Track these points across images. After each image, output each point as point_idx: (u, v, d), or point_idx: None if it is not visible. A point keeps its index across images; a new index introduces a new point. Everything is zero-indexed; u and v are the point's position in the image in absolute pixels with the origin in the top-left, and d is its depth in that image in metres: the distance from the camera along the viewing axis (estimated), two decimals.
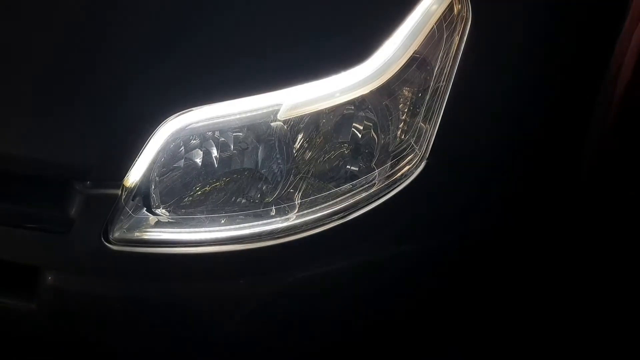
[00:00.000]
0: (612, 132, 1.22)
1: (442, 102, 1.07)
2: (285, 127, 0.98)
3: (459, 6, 1.11)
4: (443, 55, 1.08)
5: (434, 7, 1.07)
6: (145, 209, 0.96)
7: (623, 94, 1.18)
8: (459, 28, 1.10)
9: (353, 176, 1.03)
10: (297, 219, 0.99)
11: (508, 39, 1.24)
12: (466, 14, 1.11)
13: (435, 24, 1.07)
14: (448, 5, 1.08)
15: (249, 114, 0.97)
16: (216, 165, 0.98)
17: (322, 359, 1.14)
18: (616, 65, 1.19)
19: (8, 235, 0.97)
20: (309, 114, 1.00)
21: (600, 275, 1.45)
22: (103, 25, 1.02)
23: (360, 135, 1.03)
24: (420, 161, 1.05)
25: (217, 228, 0.97)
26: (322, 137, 1.02)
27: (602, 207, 1.33)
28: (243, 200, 0.99)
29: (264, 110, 0.97)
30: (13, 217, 0.96)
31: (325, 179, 1.02)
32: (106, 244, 0.94)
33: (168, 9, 1.02)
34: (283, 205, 0.99)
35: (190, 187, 0.98)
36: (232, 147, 0.98)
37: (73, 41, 1.01)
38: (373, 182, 1.03)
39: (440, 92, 1.07)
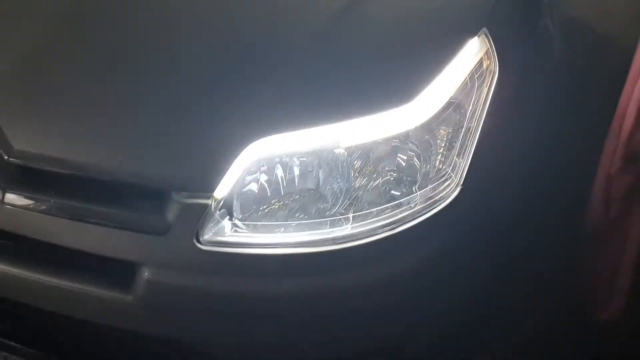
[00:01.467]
0: (617, 172, 1.43)
1: (474, 139, 1.28)
2: (345, 153, 1.19)
3: (488, 61, 1.34)
4: (474, 101, 1.30)
5: (468, 61, 1.29)
6: (228, 217, 1.16)
7: (627, 138, 1.39)
8: (488, 79, 1.33)
9: (398, 197, 1.23)
10: (353, 230, 1.18)
11: (528, 89, 1.47)
12: (493, 68, 1.34)
13: (468, 75, 1.29)
14: (479, 60, 1.31)
15: (315, 142, 1.18)
16: (285, 184, 1.18)
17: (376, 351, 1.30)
18: (621, 112, 1.40)
19: (113, 235, 1.17)
20: (363, 144, 1.21)
21: None
22: (204, 61, 1.26)
23: (404, 164, 1.24)
24: (456, 187, 1.25)
25: (287, 234, 1.17)
26: (371, 165, 1.23)
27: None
28: (304, 215, 1.19)
29: (328, 140, 1.19)
30: (118, 220, 1.17)
31: (375, 198, 1.22)
32: (197, 244, 1.14)
33: (253, 53, 1.26)
34: (340, 218, 1.19)
35: (265, 201, 1.18)
36: (299, 169, 1.19)
37: (179, 73, 1.25)
38: (416, 202, 1.22)
39: (471, 131, 1.29)
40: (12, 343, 1.35)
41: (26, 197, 1.20)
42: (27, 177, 1.20)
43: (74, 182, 1.19)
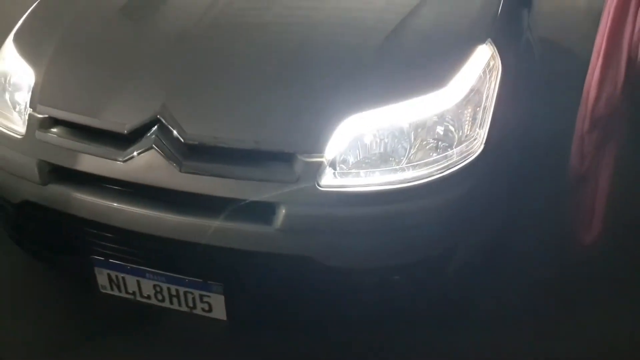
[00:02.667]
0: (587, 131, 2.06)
1: (489, 114, 1.89)
2: (408, 126, 1.80)
3: (494, 61, 1.97)
4: (487, 88, 1.92)
5: (481, 60, 1.92)
6: (336, 169, 1.75)
7: (592, 107, 2.03)
8: (495, 73, 1.96)
9: (441, 154, 1.83)
10: (414, 174, 1.78)
11: (521, 80, 2.10)
12: (498, 66, 1.97)
13: (481, 70, 1.92)
14: (488, 60, 1.94)
15: (387, 119, 1.79)
16: (371, 147, 1.78)
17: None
18: (587, 89, 2.04)
19: (259, 187, 1.74)
20: (417, 120, 1.81)
21: None
22: (311, 64, 1.89)
23: (442, 133, 1.84)
24: (480, 146, 1.85)
25: (373, 178, 1.76)
26: (424, 133, 1.83)
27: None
28: (383, 166, 1.78)
29: (395, 117, 1.79)
30: (262, 176, 1.74)
31: (426, 155, 1.81)
32: (318, 187, 1.73)
33: (340, 58, 1.89)
34: (406, 166, 1.78)
35: (358, 158, 1.77)
36: (379, 138, 1.79)
37: (297, 75, 1.87)
38: (453, 157, 1.82)
39: (487, 108, 1.90)
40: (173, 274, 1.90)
41: (199, 167, 1.77)
42: (198, 153, 1.78)
43: (232, 152, 1.77)
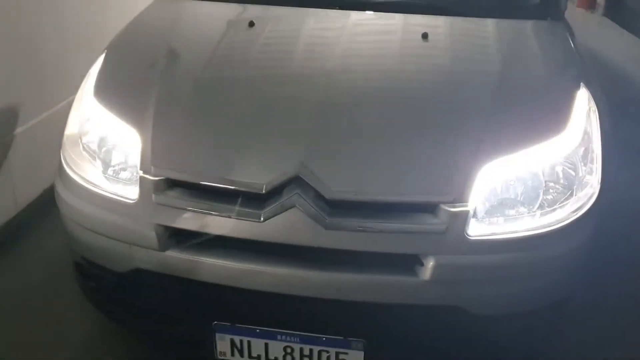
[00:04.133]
0: None
1: (599, 156, 1.98)
2: (540, 170, 1.85)
3: (591, 104, 2.07)
4: (592, 130, 2.01)
5: (584, 103, 2.02)
6: (477, 218, 1.77)
7: None
8: (594, 114, 2.05)
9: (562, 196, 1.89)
10: (549, 219, 1.83)
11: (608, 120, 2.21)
12: (595, 108, 2.07)
13: (586, 112, 2.01)
14: (587, 102, 2.04)
15: (518, 164, 1.84)
16: (507, 193, 1.82)
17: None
18: None
19: (407, 239, 1.74)
20: (544, 164, 1.87)
21: None
22: (438, 120, 1.93)
23: (566, 176, 1.90)
24: (596, 191, 1.92)
25: (513, 225, 1.80)
26: (551, 177, 1.89)
27: None
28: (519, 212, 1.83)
29: (526, 162, 1.84)
30: (410, 228, 1.74)
31: (554, 200, 1.87)
32: (467, 236, 1.74)
33: (463, 110, 1.94)
34: (542, 211, 1.83)
35: (498, 206, 1.80)
36: (513, 184, 1.83)
37: (426, 131, 1.89)
38: (579, 199, 1.88)
39: (595, 151, 1.98)
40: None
41: (343, 223, 1.74)
42: (341, 209, 1.75)
43: (376, 206, 1.76)
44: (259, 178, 1.77)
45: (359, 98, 2.03)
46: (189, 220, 1.81)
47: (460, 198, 1.76)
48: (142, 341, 2.35)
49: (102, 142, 2.02)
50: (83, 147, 2.06)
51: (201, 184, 1.82)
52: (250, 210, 1.76)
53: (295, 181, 1.76)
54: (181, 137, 1.94)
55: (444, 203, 1.75)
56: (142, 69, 2.21)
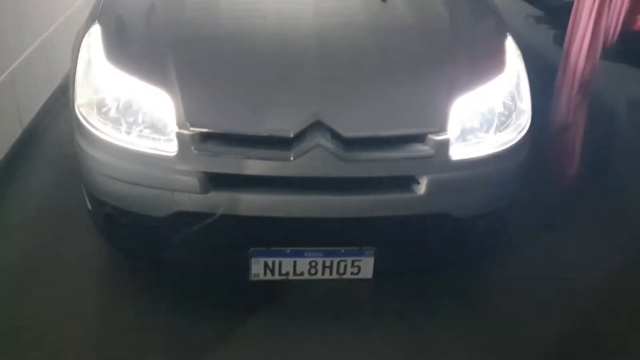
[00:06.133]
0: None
1: (527, 91, 2.55)
2: (494, 101, 2.38)
3: (516, 49, 2.64)
4: (520, 70, 2.58)
5: (512, 49, 2.58)
6: (454, 143, 2.28)
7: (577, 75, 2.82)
8: (520, 57, 2.62)
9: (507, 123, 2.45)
10: (504, 138, 2.38)
11: None
12: (519, 53, 2.64)
13: (516, 55, 2.58)
14: (515, 49, 2.61)
15: (481, 98, 2.36)
16: (475, 121, 2.34)
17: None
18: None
19: (405, 163, 2.21)
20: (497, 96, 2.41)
21: None
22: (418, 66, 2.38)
23: (506, 105, 2.46)
24: (529, 116, 2.50)
25: (482, 146, 2.33)
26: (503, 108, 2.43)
27: None
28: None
29: (486, 96, 2.37)
30: (408, 154, 2.20)
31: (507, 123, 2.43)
32: (450, 158, 2.25)
33: (428, 54, 2.42)
34: (499, 133, 2.38)
35: (469, 132, 2.32)
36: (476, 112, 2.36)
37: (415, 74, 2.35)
38: (522, 123, 2.45)
39: (525, 87, 2.55)
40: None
41: (357, 156, 2.17)
42: (355, 144, 2.18)
43: (381, 140, 2.21)
44: (286, 124, 2.14)
45: (350, 51, 2.45)
46: (227, 165, 2.15)
47: (443, 128, 2.25)
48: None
49: (126, 104, 2.26)
50: (101, 112, 2.28)
51: (236, 134, 2.16)
52: (279, 152, 2.13)
53: (316, 125, 2.15)
54: (208, 94, 2.23)
55: (432, 133, 2.24)
56: (149, 31, 2.45)
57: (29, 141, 3.63)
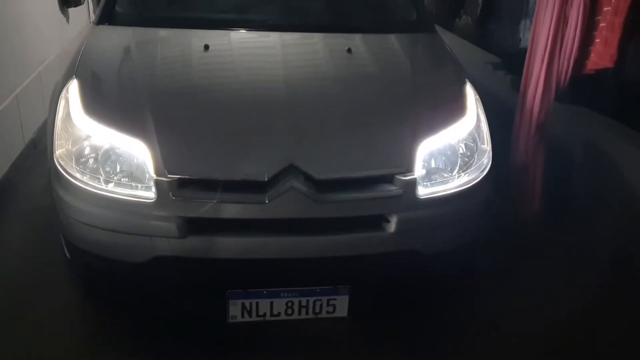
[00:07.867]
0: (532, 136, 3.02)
1: (488, 133, 2.70)
2: (456, 143, 2.52)
3: (475, 94, 2.80)
4: (480, 113, 2.74)
5: (471, 95, 2.74)
6: (420, 183, 2.40)
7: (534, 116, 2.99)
8: (479, 102, 2.78)
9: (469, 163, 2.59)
10: (467, 178, 2.51)
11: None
12: (478, 97, 2.80)
13: (474, 100, 2.74)
14: (474, 94, 2.77)
15: (442, 140, 2.50)
16: (439, 163, 2.47)
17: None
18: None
19: (377, 203, 2.31)
20: (459, 138, 2.55)
21: None
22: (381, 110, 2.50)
23: (467, 147, 2.60)
24: (490, 157, 2.65)
25: (446, 185, 2.45)
26: (463, 149, 2.57)
27: None
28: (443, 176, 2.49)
29: (448, 136, 2.51)
30: (377, 195, 2.31)
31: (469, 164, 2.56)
32: (417, 197, 2.36)
33: (393, 102, 2.55)
34: (461, 173, 2.51)
35: (435, 172, 2.45)
36: (437, 156, 2.49)
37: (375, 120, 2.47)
38: (483, 162, 2.59)
39: (485, 129, 2.71)
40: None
41: (328, 197, 2.27)
42: (326, 186, 2.28)
43: (352, 181, 2.31)
44: (260, 169, 2.24)
45: (320, 98, 2.58)
46: (205, 209, 2.23)
47: (409, 169, 2.37)
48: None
49: (105, 155, 2.34)
50: (80, 162, 2.35)
51: (213, 180, 2.24)
52: (256, 195, 2.23)
53: (289, 169, 2.25)
54: (184, 142, 2.33)
55: (399, 174, 2.36)
56: (125, 85, 2.55)
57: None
